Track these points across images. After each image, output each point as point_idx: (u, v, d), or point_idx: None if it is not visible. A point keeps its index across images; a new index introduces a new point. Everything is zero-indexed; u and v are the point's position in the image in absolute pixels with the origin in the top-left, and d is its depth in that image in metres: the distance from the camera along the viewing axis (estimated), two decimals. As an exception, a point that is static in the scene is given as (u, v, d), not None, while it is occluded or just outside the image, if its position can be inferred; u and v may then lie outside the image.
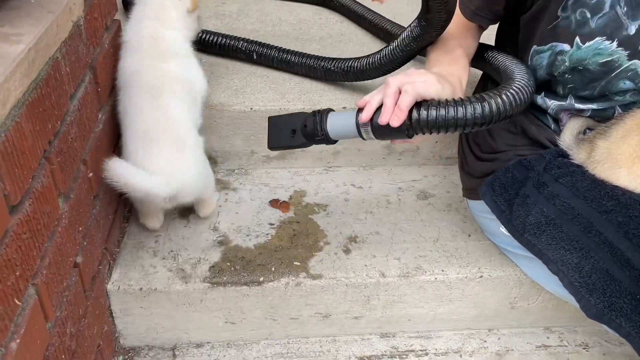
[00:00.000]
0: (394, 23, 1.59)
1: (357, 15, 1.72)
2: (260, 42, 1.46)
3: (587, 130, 1.05)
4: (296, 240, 1.22)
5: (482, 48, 1.16)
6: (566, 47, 0.96)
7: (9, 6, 0.81)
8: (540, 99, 1.06)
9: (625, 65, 0.94)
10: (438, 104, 0.86)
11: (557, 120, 1.07)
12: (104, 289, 1.09)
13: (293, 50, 1.44)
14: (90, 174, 1.01)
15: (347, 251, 1.20)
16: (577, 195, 0.96)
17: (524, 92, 0.91)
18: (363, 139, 0.94)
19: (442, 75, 0.93)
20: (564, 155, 1.04)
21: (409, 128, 0.88)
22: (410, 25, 1.10)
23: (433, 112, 0.86)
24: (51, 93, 0.82)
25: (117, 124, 1.16)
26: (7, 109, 0.66)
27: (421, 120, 0.86)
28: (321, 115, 0.97)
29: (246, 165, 1.43)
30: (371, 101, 0.89)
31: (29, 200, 0.73)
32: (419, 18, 1.06)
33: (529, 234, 1.01)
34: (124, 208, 1.26)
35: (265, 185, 1.38)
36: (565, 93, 1.03)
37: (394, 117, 0.85)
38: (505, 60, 1.06)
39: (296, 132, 0.99)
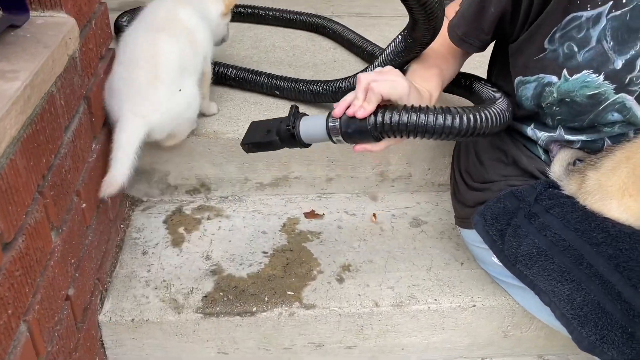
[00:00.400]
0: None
1: (350, 42, 1.75)
2: (248, 69, 1.48)
3: (577, 162, 1.06)
4: (289, 269, 1.22)
5: (468, 77, 1.19)
6: (554, 79, 0.98)
7: (5, 41, 0.82)
8: (530, 130, 1.08)
9: (613, 99, 0.95)
10: (403, 108, 0.89)
11: (547, 151, 1.08)
12: (96, 321, 1.08)
13: (281, 75, 1.45)
14: (84, 205, 1.01)
15: (340, 280, 1.20)
16: (568, 226, 0.97)
17: (495, 116, 0.94)
18: (333, 142, 0.96)
19: (415, 86, 0.97)
20: (554, 186, 1.05)
21: (375, 129, 0.90)
22: (394, 40, 1.13)
23: (396, 116, 0.88)
24: (46, 127, 0.82)
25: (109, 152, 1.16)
26: (2, 148, 0.66)
27: (385, 122, 0.89)
28: (294, 118, 0.98)
29: (240, 192, 1.43)
30: (344, 98, 0.92)
31: (22, 236, 0.73)
32: (404, 34, 1.08)
33: (520, 264, 1.02)
34: (116, 236, 1.26)
35: (259, 212, 1.38)
36: (554, 124, 1.04)
37: (360, 109, 0.88)
38: (488, 90, 1.11)
39: (271, 132, 1.00)
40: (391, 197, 1.47)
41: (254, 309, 1.11)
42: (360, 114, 0.89)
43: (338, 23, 1.83)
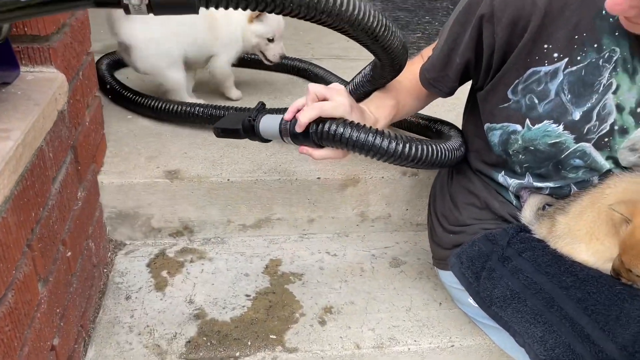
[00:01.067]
0: None
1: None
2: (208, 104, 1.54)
3: (547, 206, 1.12)
4: (272, 312, 1.24)
5: (437, 121, 1.31)
6: (518, 127, 1.04)
7: (-3, 100, 0.85)
8: (501, 177, 1.13)
9: (573, 147, 1.01)
10: (343, 122, 0.97)
11: (518, 197, 1.14)
12: (79, 368, 1.08)
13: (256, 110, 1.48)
14: (69, 253, 1.03)
15: (322, 322, 1.22)
16: (539, 270, 1.02)
17: (432, 151, 1.04)
18: (283, 141, 1.05)
19: (359, 107, 1.07)
20: (526, 230, 1.10)
21: (315, 135, 0.99)
22: (362, 72, 1.22)
23: (334, 127, 0.97)
24: (35, 182, 0.85)
25: (95, 198, 1.18)
26: (-5, 209, 0.69)
27: (324, 130, 0.98)
28: (258, 113, 1.10)
29: (222, 234, 1.45)
30: (294, 104, 1.02)
31: (11, 292, 0.75)
32: (372, 67, 1.16)
33: (496, 306, 1.06)
34: (100, 282, 1.27)
35: (242, 254, 1.41)
36: (522, 171, 1.10)
37: (303, 113, 0.98)
38: (449, 130, 1.25)
39: (238, 122, 1.12)
40: (371, 237, 1.50)
41: (237, 354, 1.12)
42: (302, 118, 0.98)
43: (319, 66, 1.89)
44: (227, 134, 1.15)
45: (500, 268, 1.07)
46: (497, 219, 1.16)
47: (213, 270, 1.35)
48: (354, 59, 2.16)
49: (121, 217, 1.38)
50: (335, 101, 0.99)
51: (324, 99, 1.00)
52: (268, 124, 1.07)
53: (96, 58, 1.71)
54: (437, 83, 1.14)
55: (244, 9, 0.72)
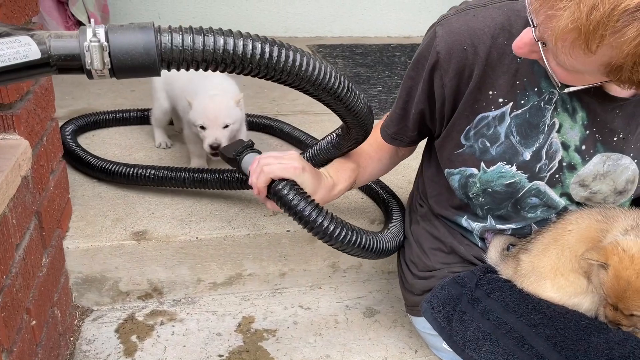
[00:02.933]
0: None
1: (297, 140, 1.85)
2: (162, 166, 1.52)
3: (510, 246, 1.15)
4: (246, 370, 1.21)
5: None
6: (474, 170, 1.08)
7: (-41, 168, 0.84)
8: (464, 222, 1.16)
9: (528, 186, 1.06)
10: (291, 188, 1.05)
11: (483, 239, 1.17)
12: None
13: (208, 169, 1.47)
14: (34, 322, 1.00)
15: (298, 378, 1.20)
16: (508, 310, 1.03)
17: (367, 244, 1.13)
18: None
19: (316, 171, 1.13)
20: (492, 270, 1.12)
21: (269, 192, 1.08)
22: (326, 139, 1.26)
23: (283, 191, 1.04)
24: (-2, 249, 0.83)
25: (60, 264, 1.15)
26: (-44, 278, 0.67)
27: (271, 188, 1.07)
28: (244, 149, 1.21)
29: (193, 294, 1.43)
30: (253, 169, 1.10)
31: (-29, 365, 0.72)
32: (338, 133, 1.20)
33: (469, 349, 1.06)
34: (66, 350, 1.22)
35: (213, 313, 1.38)
36: (484, 214, 1.13)
37: (254, 188, 1.09)
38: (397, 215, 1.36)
39: (234, 151, 1.23)
40: (344, 288, 1.50)
41: (212, 417, 1.09)
42: (254, 192, 1.10)
43: (284, 122, 1.93)
44: (225, 159, 1.29)
45: (471, 310, 1.08)
46: (464, 262, 1.18)
47: (184, 331, 1.32)
48: (318, 113, 2.22)
49: (88, 282, 1.35)
50: (284, 164, 1.06)
51: None
52: (247, 164, 1.18)
53: (60, 123, 1.71)
54: (397, 135, 1.19)
55: (205, 69, 0.75)
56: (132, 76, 0.69)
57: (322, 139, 1.29)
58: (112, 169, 1.50)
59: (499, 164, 1.05)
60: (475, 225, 1.15)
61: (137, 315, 1.36)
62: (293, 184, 1.06)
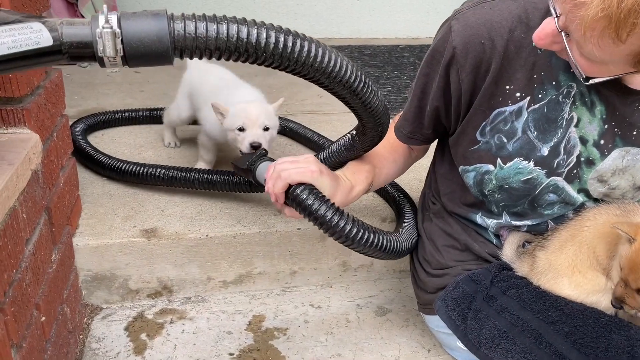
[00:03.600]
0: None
1: (306, 139, 1.84)
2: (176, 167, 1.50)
3: (526, 244, 1.13)
4: (257, 369, 1.19)
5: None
6: (490, 167, 1.06)
7: (-31, 161, 0.83)
8: (479, 219, 1.14)
9: (546, 182, 1.03)
10: (311, 192, 1.01)
11: (498, 236, 1.14)
12: None
13: (218, 170, 1.46)
14: (43, 319, 0.99)
15: (309, 377, 1.18)
16: (525, 307, 1.01)
17: (386, 244, 1.10)
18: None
19: (333, 174, 1.10)
20: (508, 268, 1.10)
21: (287, 198, 1.04)
22: (341, 140, 1.23)
23: (303, 196, 1.00)
24: (8, 243, 0.82)
25: (70, 261, 1.15)
26: (-34, 269, 0.66)
27: (288, 193, 1.02)
28: (257, 159, 1.19)
29: (203, 292, 1.42)
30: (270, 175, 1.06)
31: (-19, 358, 0.71)
32: (352, 135, 1.17)
33: (485, 347, 1.04)
34: (75, 348, 1.21)
35: (223, 312, 1.37)
36: (499, 211, 1.11)
37: (272, 194, 1.05)
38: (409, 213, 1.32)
39: (248, 162, 1.21)
40: (355, 287, 1.49)
41: (223, 416, 1.07)
42: (272, 199, 1.05)
43: (292, 121, 1.92)
44: (238, 171, 1.26)
45: (486, 308, 1.06)
46: (478, 260, 1.16)
47: (194, 330, 1.30)
48: (328, 113, 2.21)
49: (97, 280, 1.34)
50: (300, 168, 1.02)
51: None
52: (262, 172, 1.16)
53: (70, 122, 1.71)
54: (412, 134, 1.16)
55: (218, 58, 0.74)
56: (144, 64, 0.68)
57: (334, 142, 1.26)
58: (123, 167, 1.49)
59: (516, 159, 1.03)
60: (490, 222, 1.12)
61: (147, 313, 1.35)
62: (312, 188, 1.02)
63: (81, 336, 1.26)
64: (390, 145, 1.21)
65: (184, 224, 1.38)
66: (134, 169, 1.48)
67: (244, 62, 0.77)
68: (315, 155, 1.26)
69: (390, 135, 1.21)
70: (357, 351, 1.26)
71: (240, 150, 1.42)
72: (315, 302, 1.42)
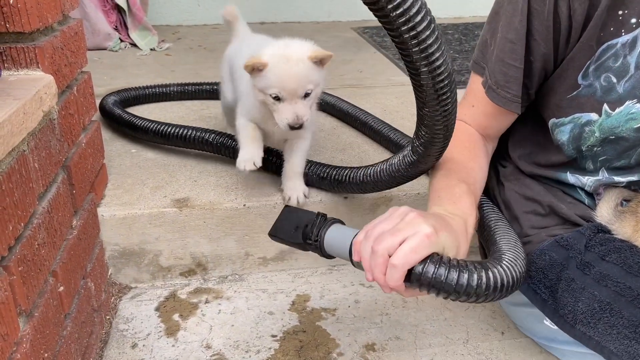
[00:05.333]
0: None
1: (343, 112, 1.67)
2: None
3: (624, 202, 0.94)
4: (304, 353, 1.04)
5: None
6: (593, 116, 0.88)
7: (-32, 95, 0.71)
8: (571, 177, 0.96)
9: None
10: (442, 262, 0.73)
11: (590, 195, 0.96)
12: None
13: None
14: (61, 288, 0.85)
15: (365, 362, 1.02)
16: (632, 272, 0.83)
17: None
18: (354, 265, 0.83)
19: (441, 219, 0.79)
20: (604, 230, 0.92)
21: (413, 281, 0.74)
22: (401, 154, 0.98)
23: (435, 276, 0.72)
24: (14, 189, 0.69)
25: (93, 231, 1.02)
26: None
27: (415, 275, 0.73)
28: (324, 222, 0.88)
29: (240, 270, 1.27)
30: (363, 256, 0.77)
31: (-24, 320, 0.58)
32: (412, 144, 0.93)
33: (581, 324, 0.86)
34: (101, 329, 1.08)
35: (263, 291, 1.22)
36: (596, 167, 0.93)
37: (385, 289, 0.75)
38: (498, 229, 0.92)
39: (298, 230, 0.90)
40: (410, 265, 1.32)
41: (267, 404, 0.92)
42: (390, 283, 0.73)
43: (328, 94, 1.76)
44: (285, 243, 0.95)
45: (581, 277, 0.88)
46: (564, 224, 0.98)
47: (232, 310, 1.16)
48: (369, 86, 2.05)
49: (125, 256, 1.21)
50: (414, 242, 0.72)
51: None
52: (336, 236, 0.86)
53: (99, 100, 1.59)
54: (518, 98, 0.93)
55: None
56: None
57: (390, 159, 1.03)
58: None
59: (627, 103, 0.85)
60: (587, 180, 0.94)
61: (180, 293, 1.21)
62: (438, 259, 0.73)
63: (108, 317, 1.13)
64: (469, 152, 0.98)
65: (218, 194, 1.24)
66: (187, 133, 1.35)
67: None
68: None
69: (464, 136, 0.99)
70: (418, 333, 1.09)
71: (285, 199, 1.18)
72: (365, 281, 1.26)
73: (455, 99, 0.81)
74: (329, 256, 0.88)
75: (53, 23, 0.92)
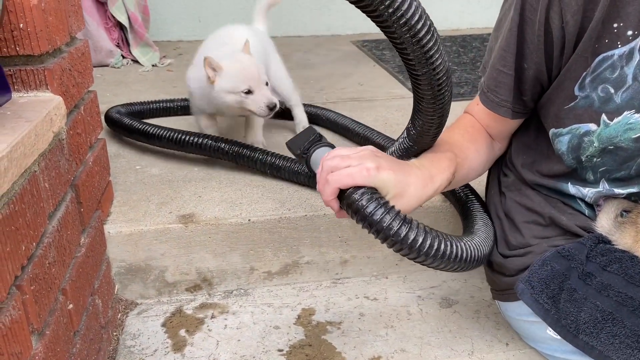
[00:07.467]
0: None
1: (345, 128, 1.69)
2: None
3: (624, 213, 0.96)
4: (311, 366, 1.05)
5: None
6: (592, 126, 0.90)
7: (-18, 118, 0.73)
8: (572, 188, 0.98)
9: None
10: (371, 197, 0.80)
11: (591, 206, 0.98)
12: None
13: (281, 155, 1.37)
14: (70, 306, 0.87)
15: (371, 375, 1.03)
16: (633, 282, 0.84)
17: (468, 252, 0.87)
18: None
19: (396, 162, 0.87)
20: (604, 241, 0.93)
21: (341, 199, 0.84)
22: (399, 139, 1.02)
23: (359, 203, 0.80)
24: (26, 210, 0.71)
25: (100, 248, 1.03)
26: (-31, 225, 0.55)
27: (345, 197, 0.82)
28: (319, 142, 0.97)
29: (246, 285, 1.28)
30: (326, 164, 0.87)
31: (-8, 339, 0.59)
32: (407, 128, 0.97)
33: (584, 334, 0.87)
34: (109, 345, 1.09)
35: (269, 305, 1.23)
36: (596, 178, 0.95)
37: (323, 197, 0.86)
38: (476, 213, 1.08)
39: (304, 144, 0.98)
40: (414, 277, 1.33)
41: (275, 419, 0.93)
42: (323, 196, 0.85)
43: (331, 110, 1.78)
44: (295, 155, 1.02)
45: (583, 287, 0.89)
46: (566, 235, 0.99)
47: (238, 324, 1.17)
48: (370, 99, 2.07)
49: (131, 272, 1.22)
50: (352, 169, 0.81)
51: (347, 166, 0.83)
52: (314, 163, 0.94)
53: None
54: (514, 105, 0.97)
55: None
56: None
57: (392, 144, 1.06)
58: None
59: (625, 113, 0.86)
60: (588, 192, 0.96)
61: (185, 308, 1.22)
62: (370, 192, 0.81)
63: (115, 333, 1.14)
64: (469, 135, 1.03)
65: (223, 209, 1.26)
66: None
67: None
68: None
69: (467, 122, 1.04)
70: (423, 345, 1.10)
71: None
72: (370, 294, 1.27)
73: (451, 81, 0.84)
74: (313, 174, 0.94)
75: (61, 45, 0.94)
